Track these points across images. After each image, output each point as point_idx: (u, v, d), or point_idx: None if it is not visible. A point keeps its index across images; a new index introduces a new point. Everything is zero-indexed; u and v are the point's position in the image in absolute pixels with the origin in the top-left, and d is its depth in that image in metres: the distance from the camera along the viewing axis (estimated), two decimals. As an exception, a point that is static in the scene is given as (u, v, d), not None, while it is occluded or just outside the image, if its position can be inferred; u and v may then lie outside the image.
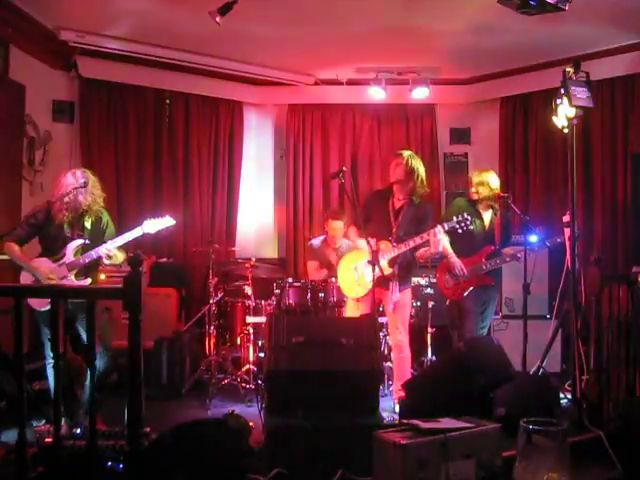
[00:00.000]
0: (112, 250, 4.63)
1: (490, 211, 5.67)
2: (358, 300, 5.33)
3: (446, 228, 5.08)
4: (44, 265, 4.64)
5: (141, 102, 7.48)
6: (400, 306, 5.27)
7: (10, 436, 3.74)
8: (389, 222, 5.30)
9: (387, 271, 5.14)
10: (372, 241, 5.05)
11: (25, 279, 4.67)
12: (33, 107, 6.43)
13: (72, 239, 4.70)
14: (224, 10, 5.35)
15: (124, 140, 7.36)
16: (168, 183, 7.60)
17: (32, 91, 6.34)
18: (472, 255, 5.55)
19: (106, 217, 4.91)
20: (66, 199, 4.63)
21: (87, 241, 4.71)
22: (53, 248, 4.72)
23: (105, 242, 4.67)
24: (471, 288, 5.50)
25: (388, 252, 5.16)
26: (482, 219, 5.63)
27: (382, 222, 5.31)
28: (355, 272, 5.33)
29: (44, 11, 6.15)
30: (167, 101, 7.67)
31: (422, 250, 5.24)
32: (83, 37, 6.58)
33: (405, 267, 5.32)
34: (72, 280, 4.65)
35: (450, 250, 5.58)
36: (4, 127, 5.94)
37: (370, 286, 5.01)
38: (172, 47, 7.05)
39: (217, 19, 5.38)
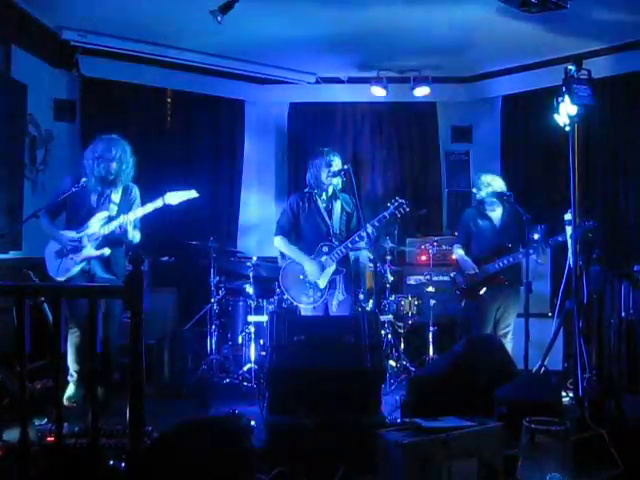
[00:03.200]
0: (131, 222, 4.62)
1: (500, 211, 5.73)
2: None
3: (387, 217, 5.10)
4: (66, 235, 4.69)
5: (142, 101, 7.48)
6: (344, 305, 5.23)
7: (12, 435, 3.74)
8: (324, 223, 5.26)
9: (339, 272, 5.15)
10: (325, 247, 5.13)
11: (51, 247, 4.76)
12: (35, 106, 6.42)
13: (97, 210, 4.71)
14: (225, 9, 5.35)
15: (125, 138, 7.33)
16: (169, 181, 7.56)
17: (34, 90, 6.33)
18: (484, 255, 5.65)
19: (135, 191, 4.90)
20: (95, 165, 4.67)
21: (113, 213, 4.71)
22: (76, 218, 4.75)
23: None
24: (484, 288, 5.60)
25: (335, 253, 5.13)
26: (491, 220, 5.73)
27: (316, 224, 5.27)
28: (304, 282, 5.18)
29: (46, 10, 6.15)
30: (168, 100, 7.66)
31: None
32: (85, 36, 6.58)
33: (347, 264, 5.29)
34: (91, 250, 4.66)
35: (459, 252, 5.74)
36: (6, 126, 5.94)
37: (325, 290, 5.12)
38: (173, 46, 7.04)
39: (218, 18, 5.38)
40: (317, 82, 8.10)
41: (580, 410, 3.69)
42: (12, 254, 5.92)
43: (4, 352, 4.71)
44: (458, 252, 5.86)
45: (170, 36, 6.79)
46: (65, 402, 4.64)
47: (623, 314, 4.12)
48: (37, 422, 4.41)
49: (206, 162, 7.87)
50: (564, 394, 4.44)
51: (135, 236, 4.73)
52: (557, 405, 3.76)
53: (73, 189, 4.70)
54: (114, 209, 4.73)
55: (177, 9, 5.96)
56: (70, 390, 4.81)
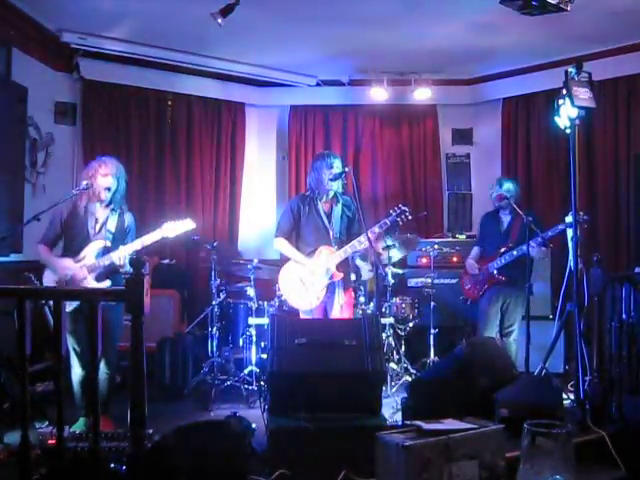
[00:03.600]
0: (126, 256, 4.52)
1: (511, 215, 5.94)
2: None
3: (388, 224, 5.11)
4: (65, 264, 4.59)
5: (143, 104, 7.48)
6: (346, 306, 5.24)
7: (13, 438, 3.74)
8: (324, 226, 5.25)
9: (338, 276, 5.15)
10: (324, 250, 5.14)
11: (48, 277, 4.66)
12: (35, 109, 6.43)
13: (94, 238, 4.65)
14: (226, 12, 5.35)
15: (126, 142, 7.36)
16: (170, 185, 7.61)
17: (34, 93, 6.34)
18: (489, 256, 5.93)
19: (129, 219, 4.85)
20: (90, 190, 4.61)
21: (108, 243, 4.65)
22: (73, 246, 4.67)
23: (125, 244, 4.62)
24: (485, 286, 5.91)
25: (334, 258, 5.12)
26: (501, 223, 6.01)
27: (316, 227, 5.26)
28: (301, 284, 5.19)
29: (46, 13, 6.16)
30: (169, 103, 7.67)
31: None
32: (85, 39, 6.59)
33: (345, 268, 5.29)
34: (92, 282, 4.59)
35: (471, 253, 6.12)
36: (6, 129, 5.94)
37: (322, 294, 5.12)
38: (174, 49, 7.06)
39: (219, 20, 5.39)
40: (318, 85, 8.11)
41: (581, 412, 3.68)
42: (13, 257, 5.93)
43: (5, 355, 4.71)
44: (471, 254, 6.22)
45: (170, 39, 6.80)
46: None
47: (624, 316, 4.10)
48: (38, 425, 4.42)
49: (207, 165, 7.87)
50: (565, 397, 4.43)
51: (127, 267, 4.66)
52: (558, 408, 3.76)
53: (74, 191, 4.68)
54: (110, 238, 4.69)
55: (177, 12, 5.97)
56: (79, 423, 4.60)
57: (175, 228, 4.76)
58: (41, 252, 4.69)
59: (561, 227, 5.26)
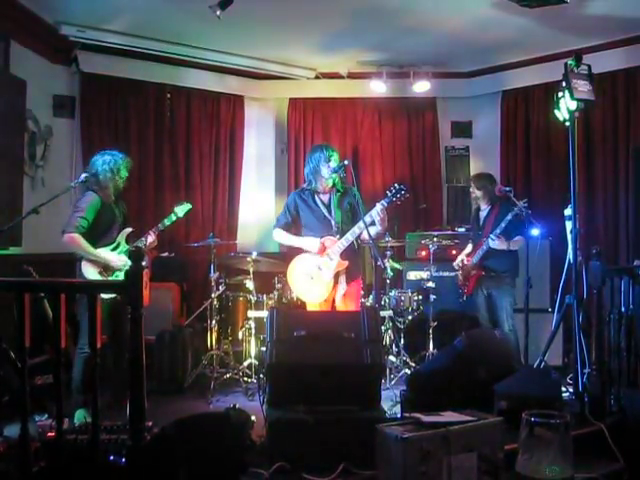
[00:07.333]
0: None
1: (488, 208, 6.06)
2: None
3: (385, 205, 5.04)
4: (113, 257, 4.79)
5: (142, 97, 7.47)
6: (349, 297, 5.20)
7: (13, 431, 3.74)
8: (325, 217, 5.22)
9: (343, 265, 5.13)
10: (327, 241, 5.10)
11: (90, 272, 4.72)
12: (34, 102, 6.41)
13: (120, 225, 4.94)
14: (224, 4, 5.34)
15: (125, 135, 7.34)
16: (169, 177, 7.60)
17: (33, 86, 6.31)
18: (474, 250, 6.01)
19: (124, 205, 5.11)
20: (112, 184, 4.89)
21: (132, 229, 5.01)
22: (103, 236, 4.82)
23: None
24: (466, 282, 6.12)
25: (337, 246, 5.10)
26: (479, 217, 6.16)
27: (318, 220, 5.23)
28: (310, 278, 5.14)
29: (44, 6, 6.13)
30: (168, 96, 7.65)
31: (372, 233, 5.06)
32: (84, 32, 6.56)
33: (352, 257, 5.27)
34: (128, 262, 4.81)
35: (465, 251, 6.25)
36: (5, 122, 5.93)
37: (331, 284, 5.08)
38: (173, 41, 7.04)
39: (218, 13, 5.38)
40: (317, 77, 8.10)
41: (580, 405, 3.69)
42: (12, 250, 5.93)
43: (5, 348, 4.71)
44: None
45: (169, 32, 6.79)
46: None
47: (623, 309, 4.11)
48: (38, 418, 4.42)
49: (206, 158, 7.86)
50: (564, 389, 4.44)
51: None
52: (557, 400, 3.77)
53: (72, 184, 4.71)
54: (121, 222, 4.99)
55: (176, 4, 5.96)
56: (79, 415, 4.55)
57: (182, 210, 5.41)
58: (79, 243, 4.67)
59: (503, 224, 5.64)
